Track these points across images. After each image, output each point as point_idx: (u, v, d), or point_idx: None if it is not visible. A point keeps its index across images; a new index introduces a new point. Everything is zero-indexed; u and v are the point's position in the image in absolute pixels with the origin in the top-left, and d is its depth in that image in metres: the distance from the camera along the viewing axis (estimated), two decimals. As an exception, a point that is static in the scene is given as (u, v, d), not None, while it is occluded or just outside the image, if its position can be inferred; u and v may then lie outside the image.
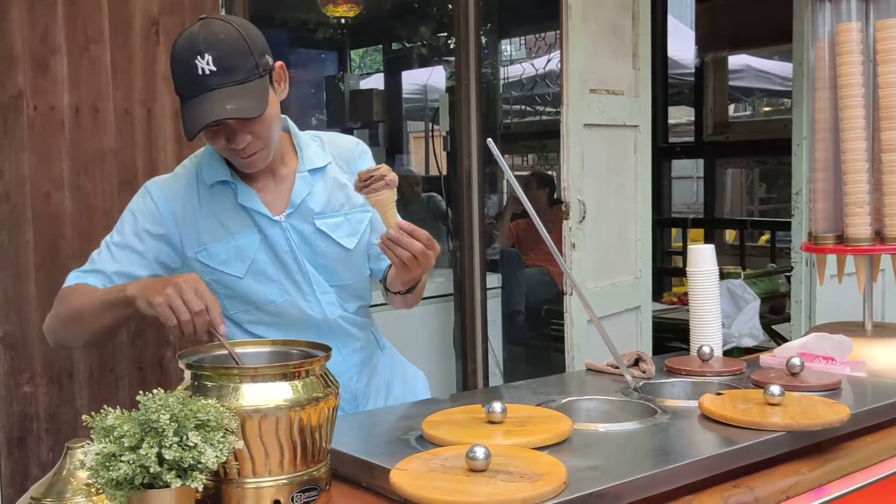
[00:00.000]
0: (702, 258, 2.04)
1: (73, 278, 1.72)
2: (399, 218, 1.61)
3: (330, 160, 1.80)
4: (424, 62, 6.91)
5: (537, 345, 5.40)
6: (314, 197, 1.76)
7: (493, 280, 4.11)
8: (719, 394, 1.58)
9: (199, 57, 1.54)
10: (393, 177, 1.57)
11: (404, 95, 7.34)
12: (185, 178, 1.76)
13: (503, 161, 1.66)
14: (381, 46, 7.73)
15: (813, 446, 1.47)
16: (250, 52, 1.57)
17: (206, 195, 1.74)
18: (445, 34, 6.37)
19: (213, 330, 1.46)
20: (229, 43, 1.56)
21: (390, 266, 1.74)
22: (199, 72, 1.54)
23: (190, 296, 1.46)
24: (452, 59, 5.16)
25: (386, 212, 1.59)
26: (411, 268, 1.61)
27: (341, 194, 1.79)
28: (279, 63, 1.68)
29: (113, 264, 1.70)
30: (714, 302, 2.03)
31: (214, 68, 1.53)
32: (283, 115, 1.79)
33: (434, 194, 5.48)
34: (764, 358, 1.94)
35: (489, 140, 1.70)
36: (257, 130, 1.62)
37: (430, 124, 6.06)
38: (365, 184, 1.57)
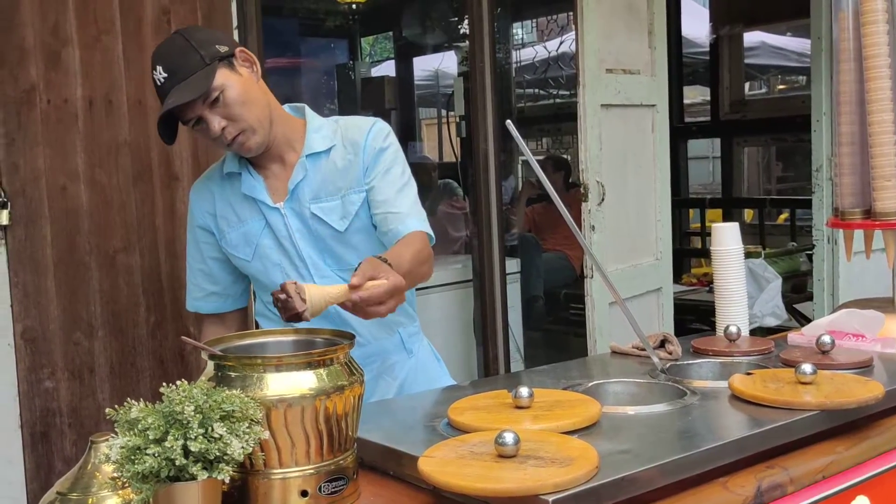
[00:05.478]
0: (726, 236, 2.00)
1: (190, 307, 1.96)
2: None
3: (334, 144, 1.82)
4: (436, 48, 6.85)
5: (556, 329, 5.39)
6: (308, 182, 1.81)
7: (513, 265, 4.08)
8: (749, 374, 1.55)
9: (154, 72, 1.73)
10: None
11: (416, 82, 7.30)
12: (212, 173, 1.91)
13: (522, 142, 1.62)
14: (391, 33, 7.68)
15: (847, 425, 1.45)
16: (193, 49, 1.71)
17: (225, 185, 1.86)
18: (456, 19, 6.31)
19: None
20: (173, 49, 1.73)
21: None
22: (158, 83, 1.72)
23: None
24: (464, 44, 5.12)
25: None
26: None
27: (340, 178, 1.81)
28: (239, 48, 1.77)
29: (207, 283, 1.91)
30: (740, 280, 1.99)
31: (166, 75, 1.71)
32: (301, 105, 1.88)
33: (449, 181, 5.45)
34: (792, 336, 1.91)
35: (508, 122, 1.65)
36: (227, 114, 1.71)
37: (444, 110, 6.01)
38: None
